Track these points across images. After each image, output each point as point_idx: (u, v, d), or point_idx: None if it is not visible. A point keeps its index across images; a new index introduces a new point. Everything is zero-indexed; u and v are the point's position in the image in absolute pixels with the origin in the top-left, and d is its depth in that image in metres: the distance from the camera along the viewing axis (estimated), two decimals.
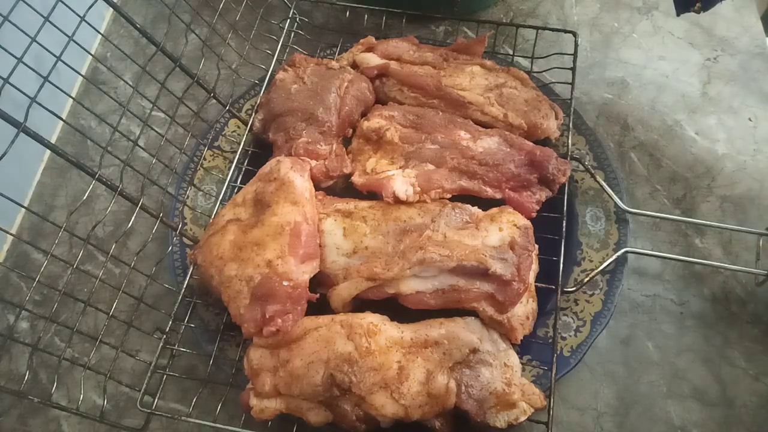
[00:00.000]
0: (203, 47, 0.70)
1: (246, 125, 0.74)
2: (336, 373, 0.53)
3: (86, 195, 0.56)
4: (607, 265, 0.65)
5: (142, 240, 0.64)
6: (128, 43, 0.90)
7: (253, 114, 0.74)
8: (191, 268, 0.65)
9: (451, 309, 0.58)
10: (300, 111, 0.70)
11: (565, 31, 0.77)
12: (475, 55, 0.75)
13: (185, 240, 0.68)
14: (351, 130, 0.72)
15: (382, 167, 0.66)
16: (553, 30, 0.79)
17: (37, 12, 0.54)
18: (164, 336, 0.62)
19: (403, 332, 0.56)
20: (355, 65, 0.76)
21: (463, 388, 0.54)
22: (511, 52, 0.79)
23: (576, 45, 0.75)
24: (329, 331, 0.56)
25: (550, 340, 0.61)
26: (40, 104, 0.50)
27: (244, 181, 0.70)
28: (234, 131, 0.77)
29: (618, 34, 0.87)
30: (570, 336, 0.63)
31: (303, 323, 0.57)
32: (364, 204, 0.64)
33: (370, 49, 0.77)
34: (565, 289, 0.64)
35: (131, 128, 0.81)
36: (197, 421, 0.58)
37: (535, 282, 0.61)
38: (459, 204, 0.63)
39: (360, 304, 0.60)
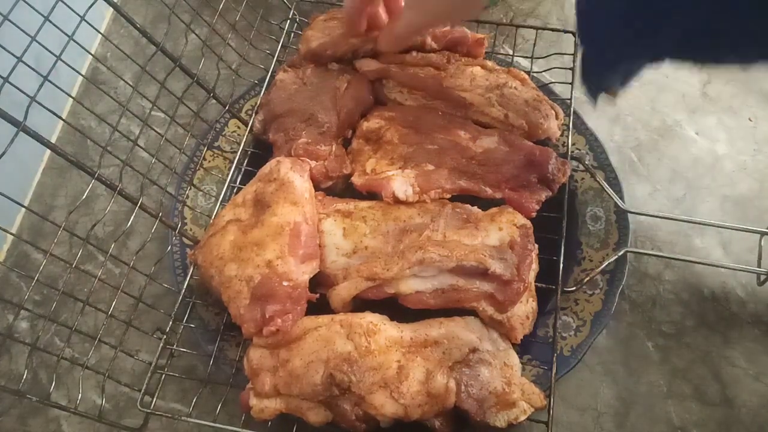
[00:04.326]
0: (203, 47, 0.70)
1: (246, 126, 0.74)
2: (336, 372, 0.53)
3: (86, 195, 0.56)
4: (607, 264, 0.65)
5: (142, 240, 0.63)
6: (128, 43, 0.90)
7: (254, 114, 0.74)
8: (191, 268, 0.65)
9: (451, 309, 0.58)
10: (300, 112, 0.70)
11: (565, 31, 0.77)
12: (476, 56, 0.75)
13: (185, 240, 0.68)
14: (351, 131, 0.72)
15: (381, 168, 0.66)
16: (553, 30, 0.78)
17: (37, 11, 0.54)
18: (164, 336, 0.62)
19: (402, 332, 0.56)
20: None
21: (463, 387, 0.54)
22: (511, 53, 0.79)
23: (576, 45, 0.75)
24: (329, 331, 0.56)
25: (550, 340, 0.61)
26: (40, 104, 0.50)
27: (244, 182, 0.70)
28: (234, 131, 0.77)
29: None
30: (570, 335, 0.63)
31: (303, 323, 0.57)
32: (363, 204, 0.64)
33: None
34: (565, 289, 0.64)
35: (131, 128, 0.81)
36: (197, 421, 0.58)
37: (535, 282, 0.61)
38: (459, 204, 0.63)
39: (360, 304, 0.60)
